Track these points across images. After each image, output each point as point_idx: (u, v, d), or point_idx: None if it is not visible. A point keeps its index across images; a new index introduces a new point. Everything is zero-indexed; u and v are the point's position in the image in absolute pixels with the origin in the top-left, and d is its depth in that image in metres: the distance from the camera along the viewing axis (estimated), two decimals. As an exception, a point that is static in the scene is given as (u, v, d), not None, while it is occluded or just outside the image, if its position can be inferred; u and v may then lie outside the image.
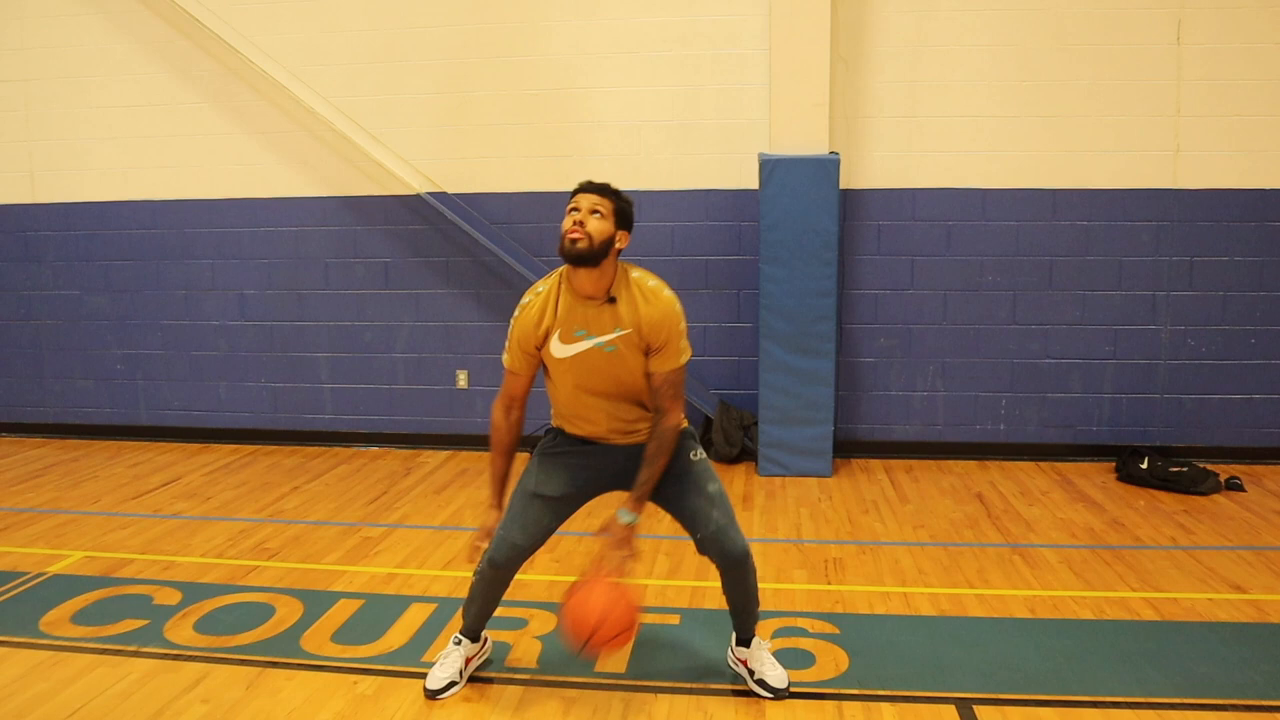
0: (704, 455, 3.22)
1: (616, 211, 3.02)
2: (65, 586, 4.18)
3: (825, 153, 5.65)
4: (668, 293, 3.05)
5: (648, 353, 3.04)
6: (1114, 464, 5.90)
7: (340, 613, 3.89)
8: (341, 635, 3.69)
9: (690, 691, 3.27)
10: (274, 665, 3.45)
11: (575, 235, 2.93)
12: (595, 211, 2.98)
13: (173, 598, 4.04)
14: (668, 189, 6.20)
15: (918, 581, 4.23)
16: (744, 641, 3.29)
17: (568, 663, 3.38)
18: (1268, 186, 5.84)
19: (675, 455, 3.13)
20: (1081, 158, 5.95)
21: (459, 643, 3.29)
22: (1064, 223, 6.02)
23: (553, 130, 6.22)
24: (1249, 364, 6.01)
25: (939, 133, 5.99)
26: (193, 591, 4.10)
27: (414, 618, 3.84)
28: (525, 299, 3.11)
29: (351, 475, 5.94)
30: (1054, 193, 6.00)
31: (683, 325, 3.06)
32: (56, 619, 3.85)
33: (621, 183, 6.24)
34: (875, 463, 6.14)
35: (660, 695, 3.24)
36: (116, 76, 6.45)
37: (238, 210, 6.50)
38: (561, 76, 6.16)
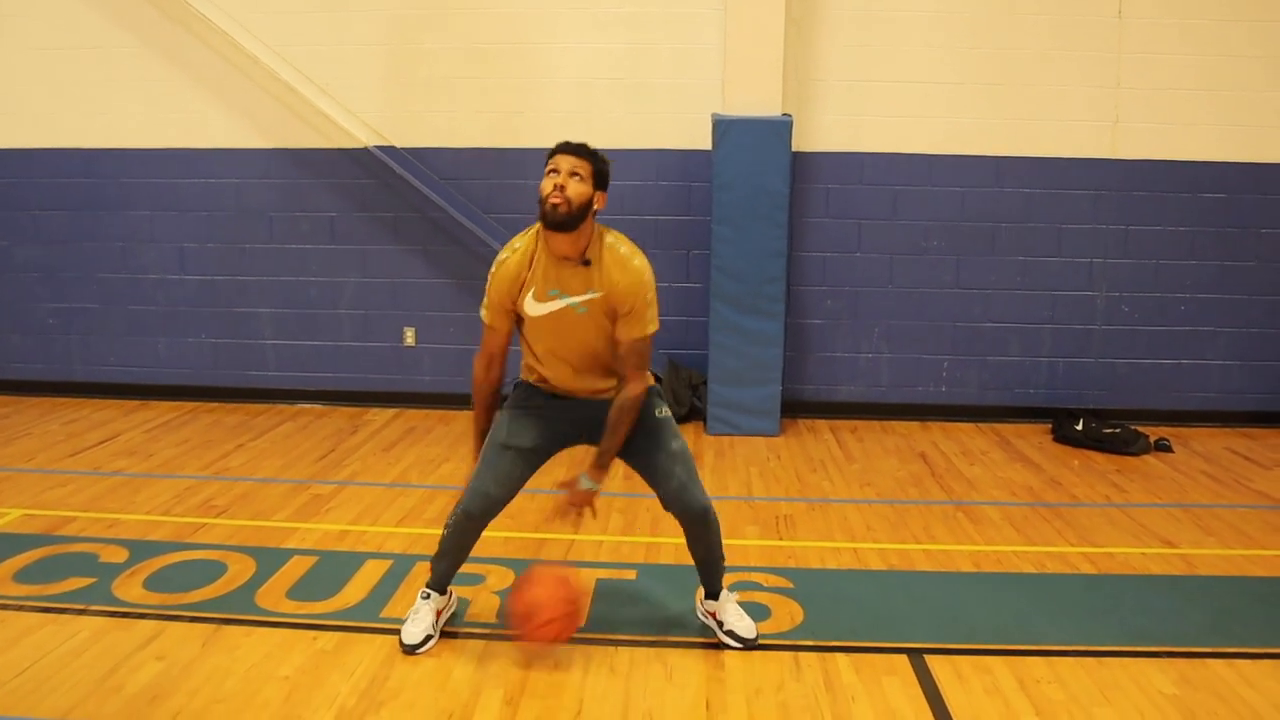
0: (669, 413, 3.26)
1: (595, 173, 3.00)
2: (4, 545, 4.06)
3: (778, 114, 5.67)
4: (639, 261, 3.06)
5: (614, 318, 3.05)
6: (1050, 425, 6.08)
7: (294, 569, 3.86)
8: (297, 591, 3.67)
9: (650, 644, 3.32)
10: (229, 622, 3.41)
11: (556, 200, 2.92)
12: (574, 174, 2.96)
13: (119, 555, 3.96)
14: (619, 148, 6.00)
15: (866, 537, 4.34)
16: (712, 594, 3.35)
17: (527, 617, 3.40)
18: (1201, 159, 6.03)
19: (640, 413, 3.15)
20: (1025, 126, 6.06)
21: (427, 597, 3.29)
22: (1007, 190, 6.14)
23: (503, 85, 6.14)
24: (1179, 330, 6.23)
25: (888, 98, 6.05)
26: (140, 549, 4.03)
27: (370, 573, 3.83)
28: (502, 255, 3.10)
29: (297, 433, 5.87)
30: (998, 160, 6.11)
31: (651, 295, 3.07)
32: (-2, 577, 3.76)
33: (572, 139, 6.24)
34: (821, 423, 6.24)
35: (620, 648, 3.28)
36: (46, 17, 6.18)
37: (177, 161, 6.31)
38: (513, 30, 6.07)
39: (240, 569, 3.85)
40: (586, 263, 3.01)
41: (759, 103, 5.64)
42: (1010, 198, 6.13)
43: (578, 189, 2.94)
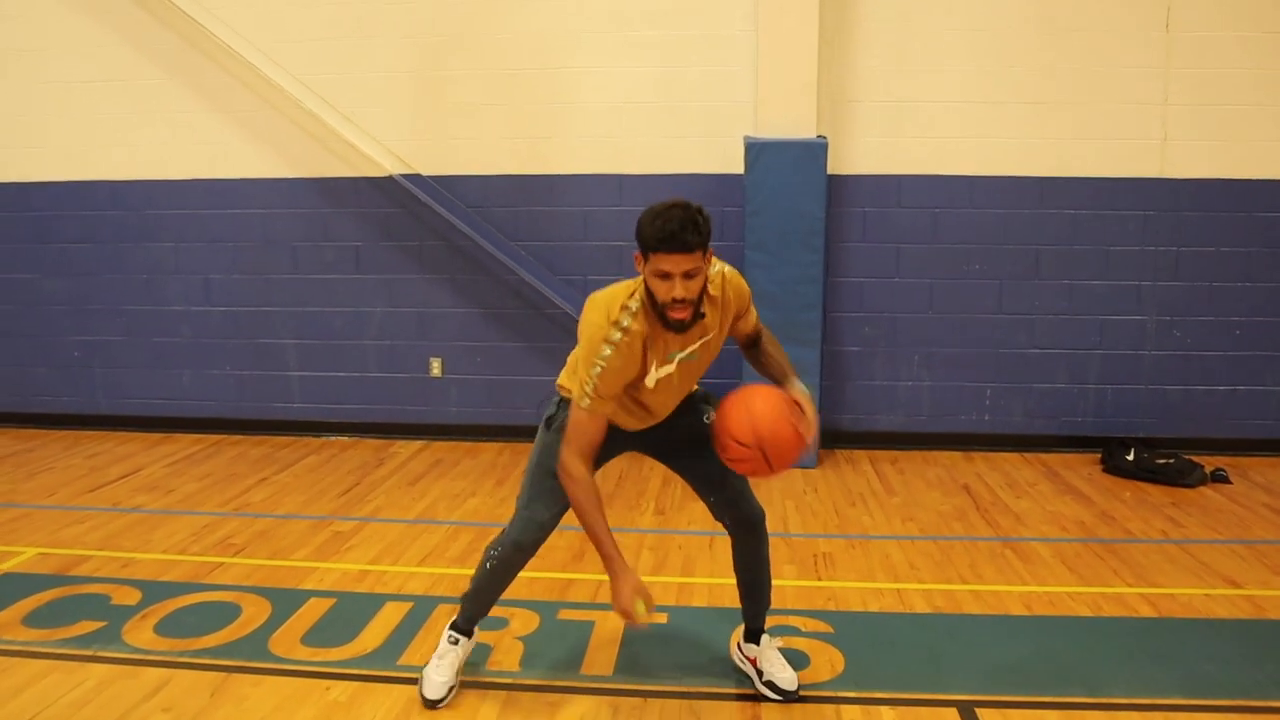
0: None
1: (707, 243, 2.61)
2: (17, 586, 3.96)
3: (812, 136, 5.50)
4: (728, 270, 2.85)
5: (734, 320, 2.91)
6: (1099, 455, 5.83)
7: (310, 613, 3.71)
8: (312, 637, 3.51)
9: (682, 695, 3.13)
10: (240, 670, 3.26)
11: (680, 315, 2.63)
12: (690, 274, 2.58)
13: (132, 597, 3.84)
14: (650, 173, 6.02)
15: (910, 577, 4.12)
16: (753, 636, 3.16)
17: (552, 666, 3.23)
18: (1255, 177, 5.77)
19: (693, 416, 2.98)
20: (1069, 145, 5.84)
21: (455, 642, 3.10)
22: (1050, 211, 5.92)
23: (530, 111, 6.03)
24: (1233, 355, 5.96)
25: (925, 118, 5.86)
26: (153, 591, 3.90)
27: (389, 617, 3.67)
28: (616, 335, 2.67)
29: (321, 466, 5.75)
30: (1040, 180, 5.89)
31: (747, 289, 2.92)
32: (7, 621, 3.63)
33: (602, 166, 6.14)
34: (860, 453, 6.02)
35: (650, 699, 3.09)
36: (74, 51, 6.17)
37: (202, 191, 6.26)
38: (540, 56, 5.96)
39: (255, 612, 3.71)
40: (700, 316, 2.74)
41: (793, 125, 5.48)
42: (1054, 219, 5.91)
43: (696, 286, 2.62)
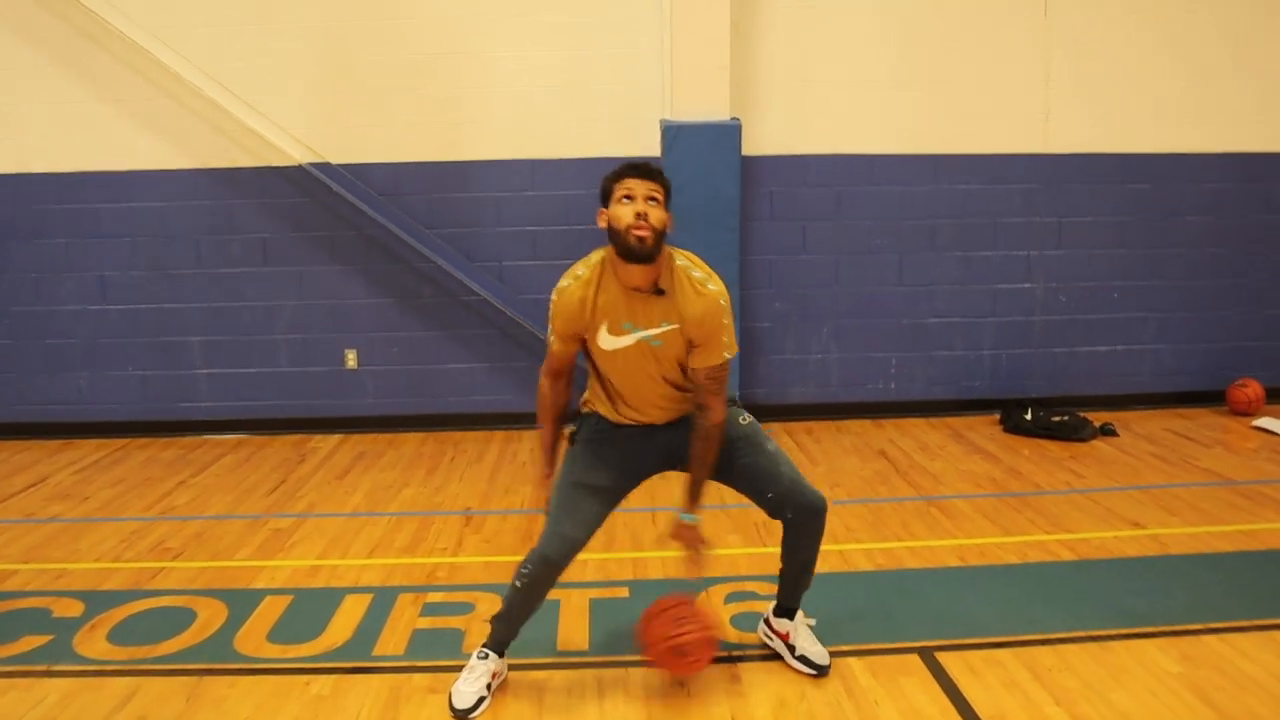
0: (753, 419, 3.09)
1: (667, 195, 2.78)
2: (-58, 604, 3.77)
3: (726, 119, 5.65)
4: (714, 285, 2.84)
5: (690, 346, 2.87)
6: (998, 416, 6.20)
7: (270, 610, 3.66)
8: (278, 634, 3.48)
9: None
10: (210, 673, 3.21)
11: (642, 232, 2.69)
12: (651, 199, 2.72)
13: (74, 609, 3.70)
14: (562, 156, 6.06)
15: (848, 539, 4.33)
16: (787, 612, 3.22)
17: (528, 646, 3.27)
18: (1128, 151, 6.23)
19: (729, 424, 3.02)
20: (960, 124, 6.17)
21: (485, 657, 3.03)
22: (944, 187, 6.24)
23: (440, 97, 5.98)
24: (1113, 318, 6.43)
25: (828, 100, 6.09)
26: (96, 600, 3.77)
27: (352, 610, 3.65)
28: (563, 282, 2.88)
29: (240, 465, 5.60)
30: (935, 158, 6.21)
31: (727, 320, 2.85)
32: (-58, 641, 3.47)
33: (514, 151, 6.16)
34: (776, 425, 6.22)
35: (632, 669, 3.19)
36: (-57, 38, 5.80)
37: (94, 185, 5.97)
38: (448, 41, 5.92)
39: (211, 614, 3.63)
40: (660, 292, 2.80)
41: (707, 108, 5.61)
42: (948, 194, 6.24)
43: (659, 215, 2.73)
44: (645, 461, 3.06)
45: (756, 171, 6.10)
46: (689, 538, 3.02)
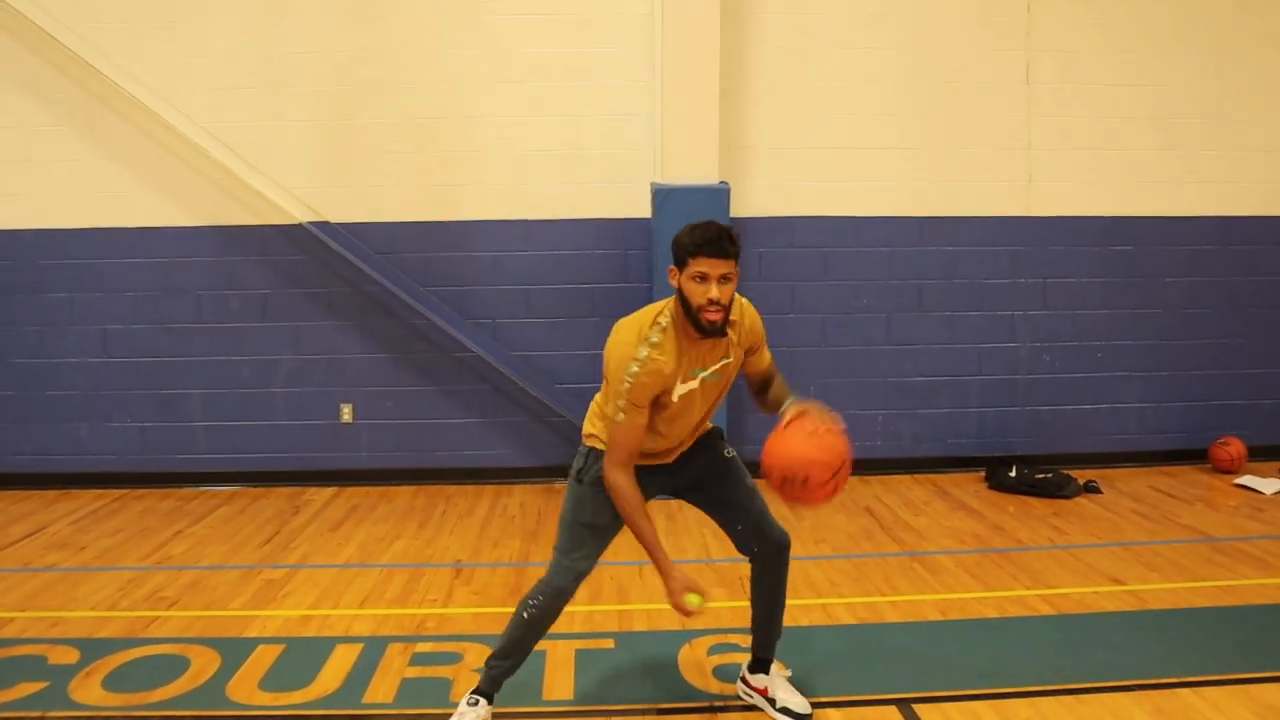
0: (735, 453, 3.23)
1: (737, 264, 2.86)
2: (-62, 652, 3.83)
3: (715, 182, 5.83)
4: (747, 302, 3.08)
5: (747, 354, 3.09)
6: (983, 473, 6.30)
7: (262, 659, 3.72)
8: (269, 682, 3.53)
9: (642, 713, 3.30)
10: (204, 719, 3.27)
11: (713, 316, 2.81)
12: (725, 278, 2.81)
13: (70, 656, 3.76)
14: (555, 218, 6.23)
15: (831, 593, 4.40)
16: (763, 666, 3.30)
17: (513, 694, 3.33)
18: (1109, 214, 6.41)
19: (711, 452, 3.17)
20: (945, 187, 6.36)
21: (475, 704, 3.11)
22: (931, 248, 6.40)
23: (437, 159, 6.16)
24: (1097, 376, 6.55)
25: (814, 163, 6.27)
26: (92, 648, 3.83)
27: (343, 659, 3.71)
28: (643, 352, 2.85)
29: (236, 516, 5.67)
30: (920, 220, 6.38)
31: (763, 328, 3.14)
32: (-62, 688, 3.52)
33: (508, 212, 6.33)
34: (761, 483, 6.30)
35: (614, 718, 3.25)
36: (-42, 98, 6.00)
37: (98, 240, 6.13)
38: (446, 104, 6.12)
39: (204, 662, 3.69)
40: (723, 334, 2.94)
41: (697, 171, 5.79)
42: (934, 256, 6.40)
43: (729, 291, 2.83)
44: (646, 492, 3.10)
45: (745, 233, 6.08)
46: (812, 410, 2.94)
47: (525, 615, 3.09)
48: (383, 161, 6.13)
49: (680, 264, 2.86)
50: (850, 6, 6.17)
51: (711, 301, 2.79)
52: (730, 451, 3.23)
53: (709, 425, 3.23)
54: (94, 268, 6.17)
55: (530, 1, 6.04)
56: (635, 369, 2.85)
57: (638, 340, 2.88)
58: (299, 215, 6.01)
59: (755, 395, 3.22)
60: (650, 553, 2.95)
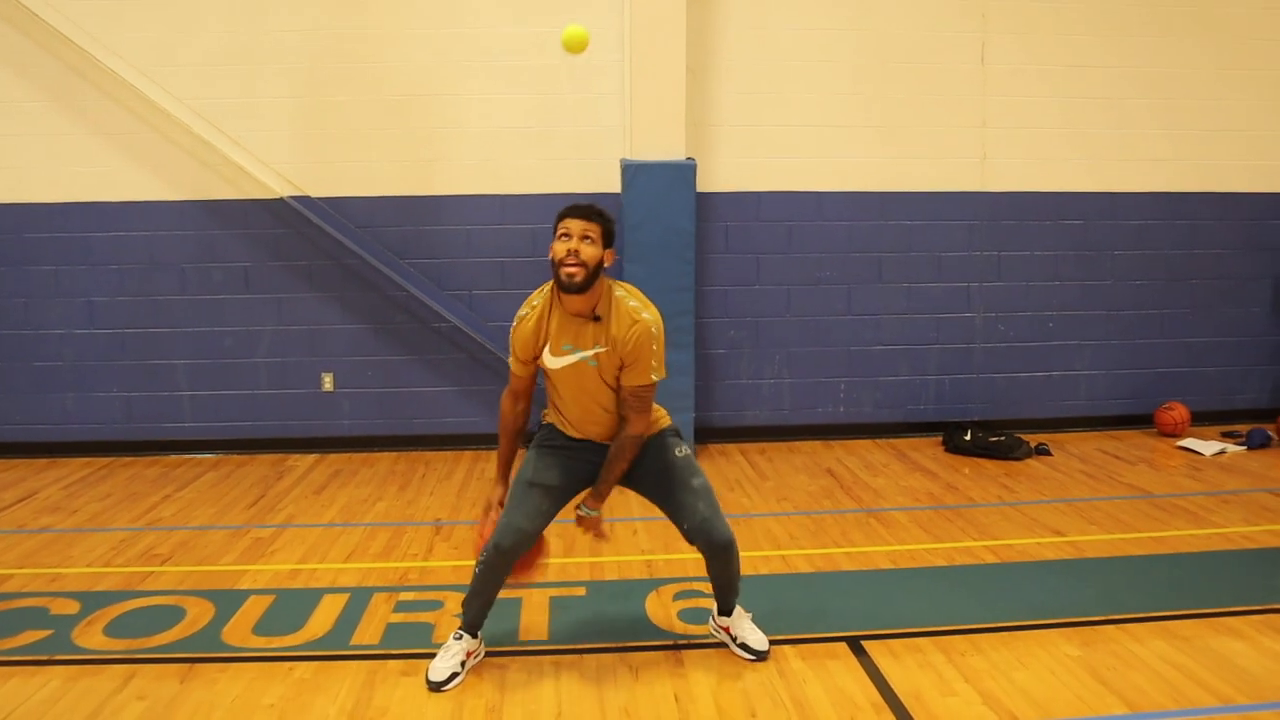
0: (689, 451, 3.44)
1: (604, 234, 3.15)
2: (-57, 605, 4.03)
3: (682, 158, 6.05)
4: (648, 314, 3.20)
5: (620, 368, 3.23)
6: (941, 438, 6.60)
7: (254, 608, 3.95)
8: (262, 628, 3.77)
9: (613, 650, 3.56)
10: (202, 660, 3.49)
11: (571, 269, 3.07)
12: (586, 237, 3.09)
13: (70, 607, 3.97)
14: (527, 192, 6.44)
15: (791, 545, 4.68)
16: (725, 612, 3.57)
17: (492, 637, 3.57)
18: (1059, 190, 6.69)
19: (661, 452, 3.37)
20: (903, 164, 6.62)
21: (459, 638, 3.37)
22: (890, 222, 6.67)
23: (414, 135, 6.35)
24: (1048, 345, 6.86)
25: (779, 140, 6.52)
26: (91, 600, 4.05)
27: (330, 607, 3.95)
28: (521, 311, 3.30)
29: (221, 481, 5.88)
30: (881, 195, 6.64)
31: (656, 346, 3.20)
32: (-54, 636, 3.73)
33: (483, 187, 6.52)
34: (731, 446, 6.60)
35: (585, 655, 3.52)
36: (-58, 75, 6.11)
37: (83, 214, 6.28)
38: (421, 82, 6.30)
39: (199, 612, 3.92)
40: (597, 318, 3.18)
41: (664, 148, 6.01)
42: (893, 229, 6.66)
43: (590, 252, 3.09)
44: (588, 471, 3.40)
45: (712, 207, 6.50)
46: (588, 525, 3.44)
47: (477, 569, 3.35)
48: (362, 137, 6.32)
49: (553, 234, 3.17)
50: (813, -12, 6.40)
51: (569, 252, 3.08)
52: (681, 451, 3.42)
53: (663, 420, 3.44)
54: (80, 241, 6.33)
55: (504, -18, 6.24)
56: (514, 323, 3.32)
57: (525, 302, 3.33)
58: (280, 190, 6.19)
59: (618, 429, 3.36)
60: (498, 466, 3.48)
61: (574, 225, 3.12)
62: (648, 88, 5.99)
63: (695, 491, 3.35)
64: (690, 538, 3.37)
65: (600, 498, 3.39)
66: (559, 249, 3.12)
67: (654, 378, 3.24)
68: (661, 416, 3.47)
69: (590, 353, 3.22)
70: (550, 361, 3.27)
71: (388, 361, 6.55)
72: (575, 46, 2.98)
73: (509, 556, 3.26)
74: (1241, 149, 6.77)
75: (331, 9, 6.18)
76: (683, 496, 3.35)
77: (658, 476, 3.38)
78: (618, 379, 3.26)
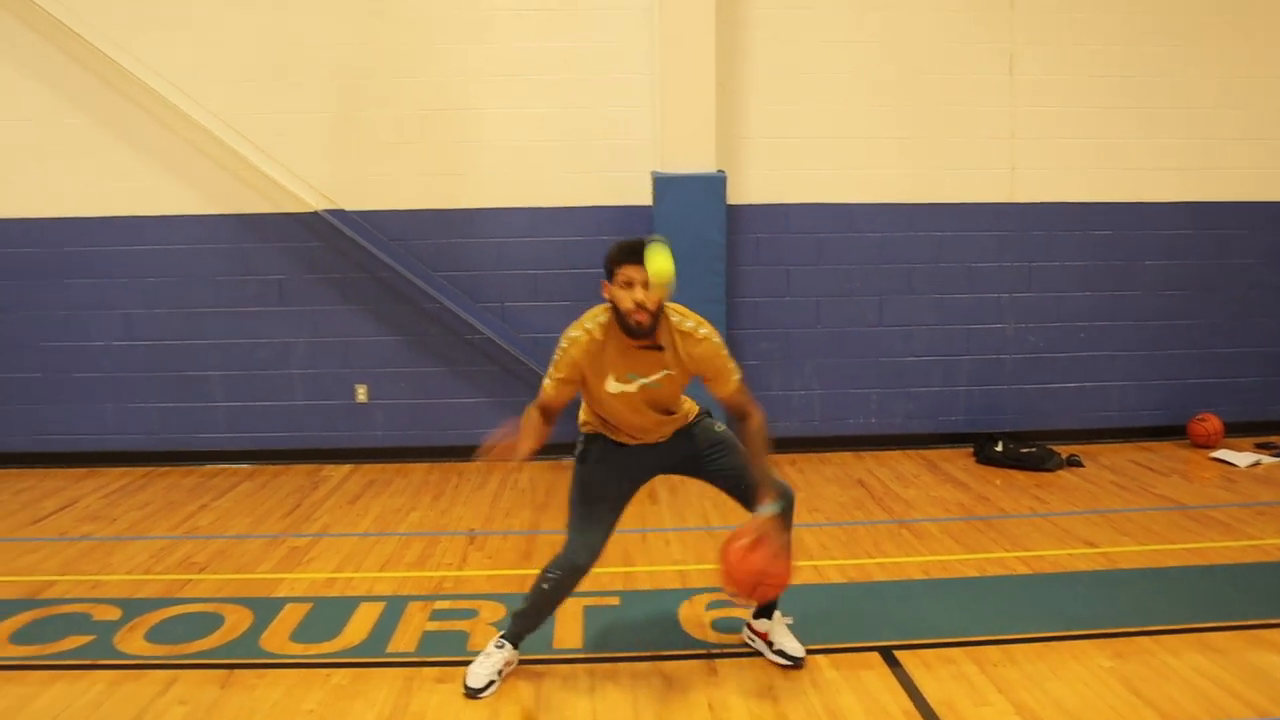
0: (725, 427, 3.51)
1: None
2: (-10, 611, 4.12)
3: (712, 171, 6.09)
4: (705, 330, 3.26)
5: (695, 378, 3.31)
6: (972, 449, 6.57)
7: (291, 615, 4.01)
8: (300, 635, 3.83)
9: (646, 659, 3.59)
10: (241, 666, 3.55)
11: (640, 319, 3.09)
12: (648, 285, 3.08)
13: (112, 613, 4.05)
14: (558, 205, 6.50)
15: (823, 555, 4.69)
16: (766, 613, 3.58)
17: (526, 644, 3.60)
18: (1089, 200, 6.67)
19: (706, 433, 3.46)
20: (933, 175, 6.62)
21: (501, 646, 3.43)
22: (920, 233, 6.67)
23: (446, 149, 6.43)
24: (1080, 356, 6.83)
25: (808, 153, 6.53)
26: (132, 606, 4.12)
27: (367, 615, 4.00)
28: (574, 332, 3.24)
29: (257, 491, 5.96)
30: (910, 207, 6.64)
31: (724, 352, 3.27)
32: (-7, 641, 3.81)
33: (515, 200, 6.58)
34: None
35: (620, 664, 3.54)
36: (-14, 93, 6.26)
37: (122, 229, 6.40)
38: (453, 97, 6.38)
39: (237, 619, 3.98)
40: (659, 348, 3.22)
41: (695, 161, 6.06)
42: (923, 241, 6.66)
43: (656, 297, 3.09)
44: (645, 470, 3.50)
45: (742, 220, 6.53)
46: (772, 526, 3.24)
47: (544, 586, 3.39)
48: (395, 151, 6.40)
49: (610, 275, 3.16)
50: (839, 1, 6.42)
51: (638, 305, 3.09)
52: (720, 427, 3.51)
53: (695, 408, 3.52)
54: (118, 255, 6.44)
55: (535, -2, 6.32)
56: (564, 344, 3.24)
57: (577, 325, 3.26)
58: (314, 203, 6.28)
59: (736, 425, 3.37)
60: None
61: (637, 274, 3.08)
62: (678, 101, 6.05)
63: (744, 456, 3.40)
64: (750, 499, 3.38)
65: (769, 491, 3.28)
66: (625, 300, 3.10)
67: (737, 376, 3.31)
68: (693, 405, 3.52)
69: (656, 377, 3.27)
70: (612, 388, 3.28)
71: (420, 373, 6.62)
72: (662, 274, 3.11)
73: (582, 574, 3.35)
74: (1273, 157, 6.73)
75: (364, 26, 6.28)
76: (731, 463, 3.42)
77: (701, 454, 3.45)
78: (685, 383, 3.33)
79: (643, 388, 3.28)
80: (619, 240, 3.20)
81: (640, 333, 3.15)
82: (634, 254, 3.09)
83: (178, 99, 6.15)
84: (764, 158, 6.52)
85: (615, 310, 3.18)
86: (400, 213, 6.45)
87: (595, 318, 3.26)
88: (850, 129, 6.53)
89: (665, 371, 3.26)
